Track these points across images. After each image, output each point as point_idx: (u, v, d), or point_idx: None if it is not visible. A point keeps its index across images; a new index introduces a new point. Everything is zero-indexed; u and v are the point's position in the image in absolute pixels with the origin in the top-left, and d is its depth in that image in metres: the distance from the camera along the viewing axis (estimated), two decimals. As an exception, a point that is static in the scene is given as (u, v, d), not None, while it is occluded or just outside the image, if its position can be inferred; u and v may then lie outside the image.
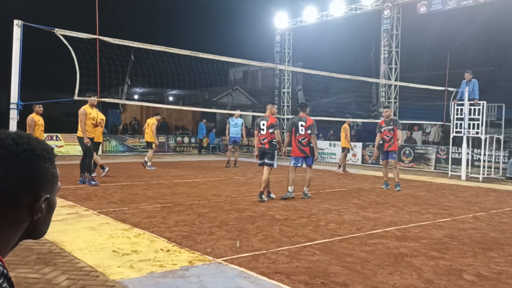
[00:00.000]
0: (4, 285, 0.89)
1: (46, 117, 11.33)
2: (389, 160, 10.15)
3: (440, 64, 22.06)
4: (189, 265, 4.13)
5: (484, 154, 12.83)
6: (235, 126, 14.74)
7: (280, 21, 23.17)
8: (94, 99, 9.41)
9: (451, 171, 13.44)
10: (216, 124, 27.67)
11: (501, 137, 13.34)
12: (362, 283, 3.77)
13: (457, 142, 13.93)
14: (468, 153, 13.11)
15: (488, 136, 13.05)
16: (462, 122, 12.85)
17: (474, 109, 12.82)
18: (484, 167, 12.74)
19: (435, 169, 15.03)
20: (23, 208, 0.97)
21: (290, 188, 8.25)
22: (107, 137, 19.86)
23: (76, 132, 9.80)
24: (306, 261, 4.36)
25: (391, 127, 9.99)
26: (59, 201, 6.95)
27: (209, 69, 12.51)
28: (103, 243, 4.88)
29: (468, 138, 12.97)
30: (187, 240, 5.05)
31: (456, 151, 13.90)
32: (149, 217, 6.24)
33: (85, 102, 9.58)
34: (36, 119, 9.87)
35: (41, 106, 10.07)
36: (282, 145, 8.31)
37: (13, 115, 7.23)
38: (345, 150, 13.92)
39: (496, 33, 25.36)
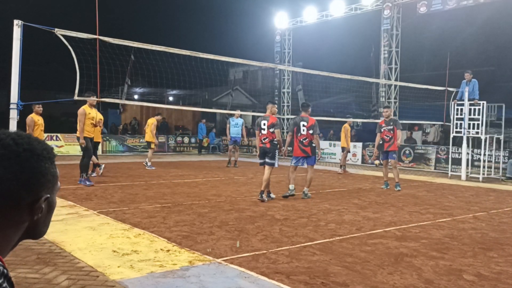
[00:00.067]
0: (4, 285, 0.89)
1: (46, 117, 11.33)
2: (389, 160, 10.15)
3: (440, 64, 22.05)
4: (189, 265, 4.13)
5: (484, 154, 12.83)
6: (236, 126, 14.75)
7: (280, 21, 23.17)
8: (93, 99, 9.42)
9: (451, 171, 13.44)
10: (216, 124, 27.66)
11: (501, 137, 13.34)
12: (362, 283, 3.77)
13: (457, 142, 13.93)
14: (468, 153, 13.11)
15: (488, 136, 13.05)
16: (462, 122, 12.85)
17: (474, 109, 12.82)
18: (484, 167, 12.74)
19: (435, 169, 15.03)
20: (23, 208, 0.97)
21: (291, 186, 8.33)
22: (107, 137, 19.86)
23: (76, 132, 9.80)
24: (306, 261, 4.36)
25: (391, 127, 9.99)
26: (59, 201, 6.95)
27: (209, 69, 12.51)
28: (103, 243, 4.88)
29: (468, 138, 12.97)
30: (187, 240, 5.05)
31: (456, 151, 13.90)
32: (149, 217, 6.24)
33: (85, 102, 9.59)
34: (35, 119, 9.86)
35: (40, 106, 10.07)
36: (282, 144, 8.33)
37: (13, 115, 7.23)
38: (345, 149, 13.93)
39: (496, 33, 25.36)
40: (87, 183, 9.24)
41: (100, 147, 18.60)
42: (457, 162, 13.67)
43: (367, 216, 6.75)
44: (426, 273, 4.08)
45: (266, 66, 18.28)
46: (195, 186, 9.71)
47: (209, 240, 5.08)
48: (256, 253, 4.59)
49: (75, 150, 9.68)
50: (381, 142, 10.13)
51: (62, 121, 26.67)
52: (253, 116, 27.09)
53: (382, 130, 10.09)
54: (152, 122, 13.87)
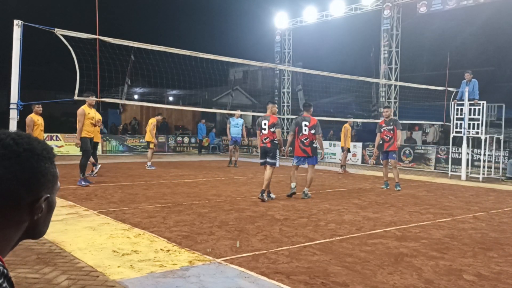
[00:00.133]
0: (4, 285, 0.89)
1: (46, 117, 11.33)
2: (389, 160, 10.15)
3: (440, 64, 22.06)
4: (189, 265, 4.13)
5: (484, 154, 12.83)
6: (236, 126, 14.75)
7: (280, 21, 23.17)
8: (92, 99, 9.41)
9: (451, 171, 13.44)
10: (216, 124, 27.67)
11: (501, 137, 13.34)
12: (362, 283, 3.77)
13: (457, 142, 13.93)
14: (468, 153, 13.11)
15: (488, 136, 13.05)
16: (462, 122, 12.85)
17: (474, 109, 12.82)
18: (484, 167, 12.74)
19: (435, 169, 15.03)
20: (23, 208, 0.97)
21: (292, 185, 8.41)
22: (107, 137, 19.87)
23: (76, 132, 9.81)
24: (306, 261, 4.36)
25: (391, 127, 9.99)
26: (59, 201, 6.95)
27: (209, 69, 12.52)
28: (103, 243, 4.88)
29: (468, 138, 12.97)
30: (187, 240, 5.05)
31: (456, 151, 13.90)
32: (149, 217, 6.24)
33: (85, 102, 9.58)
34: (35, 119, 9.86)
35: (40, 106, 10.06)
36: (282, 144, 8.37)
37: (13, 115, 7.23)
38: (345, 149, 13.95)
39: (496, 33, 25.37)
40: (83, 183, 9.22)
41: (100, 147, 18.62)
42: (457, 162, 13.67)
43: (367, 216, 6.75)
44: (426, 273, 4.08)
45: (266, 66, 18.28)
46: (195, 186, 9.71)
47: (209, 240, 5.08)
48: (256, 253, 4.59)
49: (75, 150, 9.67)
50: (381, 142, 10.13)
51: (62, 121, 26.68)
52: (253, 116, 27.10)
53: (382, 130, 10.09)
54: (151, 122, 13.86)
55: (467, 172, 12.92)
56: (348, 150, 14.19)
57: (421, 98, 16.84)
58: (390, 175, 10.31)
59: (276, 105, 8.74)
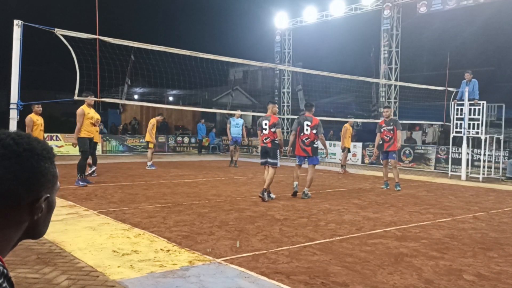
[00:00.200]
0: (4, 285, 0.89)
1: (46, 117, 11.33)
2: (389, 160, 10.15)
3: (440, 64, 22.06)
4: (189, 265, 4.13)
5: (484, 154, 12.83)
6: (236, 126, 14.75)
7: (280, 21, 23.17)
8: (91, 99, 9.39)
9: (451, 171, 13.44)
10: (216, 124, 27.67)
11: (501, 137, 13.34)
12: (362, 283, 3.77)
13: (457, 142, 13.93)
14: (468, 153, 13.11)
15: (488, 136, 13.05)
16: (462, 122, 12.85)
17: (474, 109, 12.82)
18: (484, 167, 12.74)
19: (435, 169, 15.03)
20: (24, 208, 0.97)
21: (294, 184, 8.50)
22: (107, 137, 19.87)
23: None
24: (306, 261, 4.36)
25: (391, 127, 9.98)
26: (59, 201, 6.95)
27: (209, 69, 12.52)
28: (103, 243, 4.88)
29: (468, 138, 12.97)
30: (187, 240, 5.05)
31: (456, 151, 13.90)
32: (149, 217, 6.24)
33: (85, 102, 9.58)
34: (34, 119, 9.85)
35: (40, 106, 10.05)
36: (283, 144, 8.42)
37: (13, 115, 7.23)
38: (345, 149, 13.95)
39: (496, 33, 25.36)
40: (80, 183, 9.20)
41: (100, 147, 18.64)
42: (457, 162, 13.67)
43: (367, 216, 6.74)
44: (426, 273, 4.08)
45: (266, 66, 18.28)
46: (195, 186, 9.71)
47: (209, 240, 5.08)
48: (256, 253, 4.59)
49: (75, 150, 9.64)
50: (381, 142, 10.13)
51: (62, 121, 26.68)
52: (253, 116, 27.11)
53: (382, 130, 10.09)
54: (151, 121, 13.87)
55: (467, 172, 12.92)
56: (348, 150, 14.20)
57: (421, 98, 16.85)
58: (390, 175, 10.31)
59: (277, 105, 8.77)
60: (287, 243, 5.03)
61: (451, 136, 13.55)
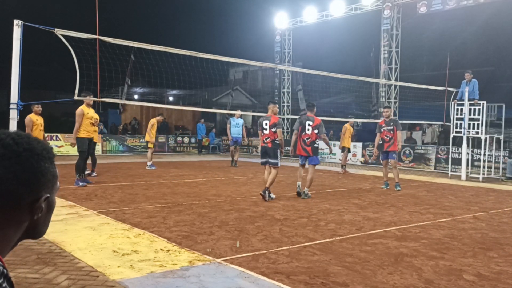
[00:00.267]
0: (4, 285, 0.89)
1: (46, 117, 11.32)
2: (389, 160, 10.15)
3: (440, 64, 22.06)
4: (189, 265, 4.13)
5: (484, 154, 12.83)
6: (237, 126, 14.75)
7: (280, 21, 23.17)
8: (90, 99, 9.37)
9: (451, 171, 13.44)
10: (216, 124, 27.68)
11: (501, 137, 13.34)
12: (362, 283, 3.77)
13: (457, 142, 13.93)
14: (468, 153, 13.11)
15: (488, 136, 13.05)
16: (462, 122, 12.85)
17: (474, 109, 12.82)
18: (484, 167, 12.74)
19: (435, 169, 15.03)
20: (24, 208, 0.97)
21: (298, 184, 8.57)
22: (107, 137, 19.87)
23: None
24: (306, 261, 4.35)
25: (391, 127, 9.98)
26: (59, 201, 6.95)
27: (209, 69, 12.52)
28: (103, 243, 4.88)
29: (468, 138, 12.97)
30: (187, 240, 5.05)
31: (456, 151, 13.89)
32: (149, 217, 6.24)
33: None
34: (34, 119, 9.85)
35: (39, 106, 10.05)
36: (284, 144, 8.45)
37: (13, 115, 7.24)
38: (345, 149, 13.96)
39: (496, 33, 25.36)
40: (80, 183, 9.19)
41: (100, 147, 18.65)
42: (457, 162, 13.67)
43: (367, 216, 6.74)
44: (426, 273, 4.08)
45: (266, 66, 18.29)
46: (195, 186, 9.71)
47: (209, 240, 5.08)
48: (256, 253, 4.59)
49: (75, 150, 9.62)
50: (381, 142, 10.13)
51: (62, 121, 26.70)
52: (253, 116, 27.11)
53: (382, 130, 10.09)
54: (151, 122, 13.87)
55: (467, 172, 12.92)
56: (348, 150, 14.21)
57: (421, 98, 16.85)
58: (390, 175, 10.31)
59: (277, 105, 8.79)
60: (287, 243, 5.03)
61: (451, 136, 13.55)
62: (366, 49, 24.22)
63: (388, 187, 10.11)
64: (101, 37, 8.45)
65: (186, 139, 22.41)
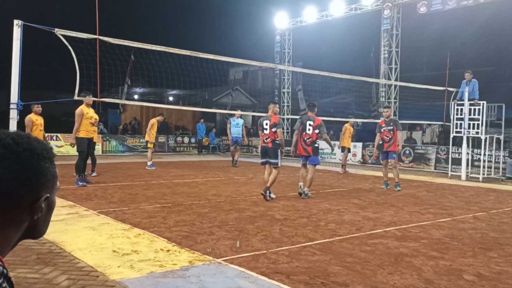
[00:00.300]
0: (4, 285, 0.89)
1: (46, 117, 11.32)
2: (389, 160, 10.15)
3: (440, 64, 22.06)
4: (189, 265, 4.13)
5: (484, 154, 12.83)
6: (237, 126, 14.74)
7: (280, 21, 23.17)
8: (89, 99, 9.37)
9: (451, 171, 13.43)
10: (216, 124, 27.68)
11: (501, 137, 13.34)
12: (362, 283, 3.77)
13: (457, 142, 13.93)
14: (468, 153, 13.11)
15: (488, 136, 13.05)
16: (462, 122, 12.85)
17: (474, 109, 12.82)
18: (484, 167, 12.74)
19: (435, 169, 15.03)
20: (24, 208, 0.97)
21: (300, 184, 8.59)
22: (107, 137, 19.87)
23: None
24: (306, 261, 4.36)
25: (391, 127, 9.98)
26: (59, 201, 6.95)
27: (209, 69, 12.52)
28: (103, 243, 4.88)
29: (468, 138, 12.97)
30: (187, 240, 5.05)
31: (456, 151, 13.90)
32: (149, 217, 6.24)
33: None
34: (33, 119, 9.84)
35: (39, 106, 10.05)
36: (284, 144, 8.47)
37: (13, 115, 7.23)
38: (345, 149, 13.96)
39: (496, 33, 25.36)
40: (80, 183, 9.19)
41: (100, 147, 18.65)
42: (457, 162, 13.67)
43: (367, 216, 6.74)
44: (426, 273, 4.08)
45: (266, 66, 18.29)
46: (195, 186, 9.71)
47: (209, 240, 5.08)
48: (256, 253, 4.59)
49: (75, 150, 9.61)
50: (380, 142, 10.13)
51: (62, 121, 26.69)
52: (253, 116, 27.11)
53: (382, 130, 10.09)
54: (150, 122, 13.87)
55: (467, 172, 12.92)
56: (349, 150, 14.20)
57: (421, 98, 16.84)
58: (390, 175, 10.31)
59: (277, 105, 8.80)
60: (287, 243, 5.03)
61: (451, 136, 13.56)
62: (366, 49, 24.22)
63: (388, 187, 10.11)
64: (101, 37, 8.45)
65: (186, 139, 22.41)
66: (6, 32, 8.06)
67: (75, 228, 5.52)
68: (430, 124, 18.46)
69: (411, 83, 15.25)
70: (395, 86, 18.39)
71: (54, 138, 17.83)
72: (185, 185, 9.92)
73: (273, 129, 8.04)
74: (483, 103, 12.70)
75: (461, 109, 12.95)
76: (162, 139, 21.15)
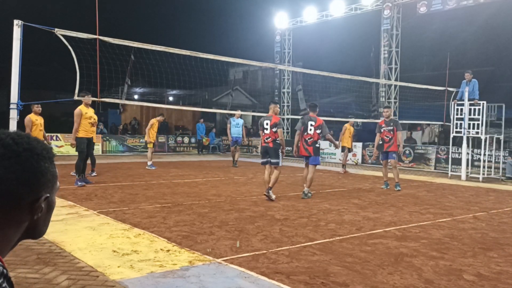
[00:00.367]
0: (4, 285, 0.89)
1: (46, 117, 11.32)
2: (389, 160, 10.15)
3: (440, 64, 22.05)
4: (189, 265, 4.13)
5: (484, 154, 12.83)
6: (237, 126, 14.74)
7: (280, 21, 23.17)
8: (88, 99, 9.36)
9: (451, 171, 13.44)
10: (216, 124, 27.67)
11: (501, 137, 13.34)
12: (362, 283, 3.77)
13: (457, 142, 13.93)
14: (468, 153, 13.11)
15: (488, 136, 13.05)
16: (462, 122, 12.85)
17: (474, 109, 12.82)
18: (484, 167, 12.74)
19: (435, 169, 15.03)
20: (24, 208, 0.97)
21: (305, 185, 8.61)
22: (107, 137, 19.87)
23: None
24: (306, 261, 4.36)
25: (391, 127, 9.98)
26: (59, 201, 6.95)
27: (209, 69, 12.53)
28: (103, 243, 4.88)
29: (468, 138, 12.97)
30: (187, 240, 5.05)
31: (456, 151, 13.90)
32: (149, 217, 6.24)
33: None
34: (33, 119, 9.84)
35: (39, 106, 10.05)
36: (285, 144, 8.48)
37: (13, 115, 7.24)
38: (345, 149, 13.96)
39: (496, 33, 25.34)
40: (79, 183, 9.18)
41: (100, 147, 18.66)
42: (457, 162, 13.67)
43: (367, 216, 6.75)
44: (426, 273, 4.08)
45: (266, 66, 18.30)
46: (195, 186, 9.71)
47: (209, 240, 5.08)
48: (256, 253, 4.59)
49: (75, 150, 9.60)
50: (380, 143, 10.13)
51: (62, 121, 26.69)
52: (253, 116, 27.11)
53: (382, 130, 10.09)
54: (150, 122, 13.87)
55: (467, 172, 12.92)
56: (349, 150, 14.20)
57: (421, 98, 16.84)
58: (390, 175, 10.31)
59: (278, 105, 8.81)
60: (287, 243, 5.03)
61: (451, 136, 13.56)
62: (366, 49, 24.22)
63: (388, 187, 10.11)
64: (101, 37, 8.45)
65: (186, 139, 22.41)
66: (6, 32, 8.06)
67: (75, 228, 5.52)
68: (428, 124, 18.46)
69: (411, 83, 15.25)
70: (395, 86, 18.39)
71: (54, 138, 17.83)
72: (185, 185, 9.92)
73: (274, 129, 8.05)
74: (483, 103, 12.70)
75: (461, 109, 12.95)
76: (162, 139, 21.15)
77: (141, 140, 19.82)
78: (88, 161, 10.04)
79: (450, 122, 13.57)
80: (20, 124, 7.73)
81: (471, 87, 12.92)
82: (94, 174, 10.98)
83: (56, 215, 5.84)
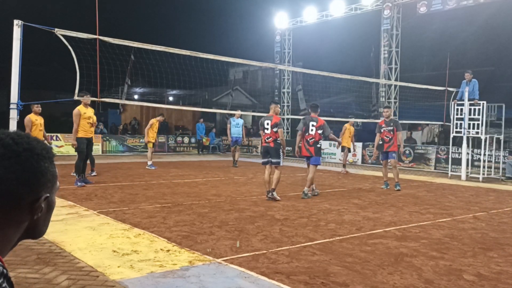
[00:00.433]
0: (4, 285, 0.89)
1: (46, 117, 11.31)
2: (389, 160, 10.15)
3: (440, 64, 22.04)
4: (189, 265, 4.13)
5: (484, 154, 12.83)
6: (237, 126, 14.74)
7: (280, 21, 23.17)
8: (87, 99, 9.35)
9: (451, 171, 13.43)
10: (216, 124, 27.67)
11: (501, 137, 13.34)
12: (362, 283, 3.77)
13: (457, 142, 13.93)
14: (468, 153, 13.11)
15: (488, 136, 13.05)
16: (462, 122, 12.85)
17: (474, 109, 12.82)
18: (484, 167, 12.74)
19: (435, 169, 15.03)
20: (24, 208, 0.97)
21: (312, 186, 8.65)
22: (107, 137, 19.87)
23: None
24: (306, 261, 4.36)
25: (391, 127, 9.98)
26: (59, 201, 6.95)
27: (209, 69, 12.53)
28: (103, 243, 4.88)
29: (468, 138, 12.97)
30: (187, 240, 5.05)
31: (456, 151, 13.89)
32: (149, 217, 6.24)
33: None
34: (33, 119, 9.83)
35: (39, 106, 10.04)
36: (285, 144, 8.51)
37: (13, 115, 7.24)
38: (345, 149, 13.94)
39: (496, 33, 25.34)
40: (79, 184, 9.18)
41: (100, 147, 18.67)
42: (457, 162, 13.67)
43: (367, 216, 6.75)
44: (426, 273, 4.08)
45: (266, 66, 18.30)
46: (195, 186, 9.71)
47: (209, 240, 5.08)
48: (256, 253, 4.59)
49: (75, 150, 9.60)
50: (380, 143, 10.13)
51: (62, 121, 26.68)
52: (253, 116, 27.11)
53: (382, 130, 10.09)
54: (150, 122, 13.87)
55: (467, 172, 12.92)
56: (349, 150, 14.19)
57: (421, 98, 16.84)
58: (390, 175, 10.31)
59: (279, 105, 8.83)
60: (287, 243, 5.03)
61: (451, 136, 13.56)
62: (366, 49, 24.22)
63: (388, 187, 10.11)
64: (101, 37, 8.45)
65: (186, 139, 22.40)
66: (6, 32, 8.07)
67: (75, 228, 5.52)
68: (427, 124, 18.47)
69: (411, 83, 15.26)
70: (395, 86, 18.39)
71: (54, 138, 17.82)
72: (185, 185, 9.92)
73: (274, 129, 8.06)
74: (483, 103, 12.70)
75: (461, 109, 12.95)
76: (162, 139, 21.14)
77: (141, 140, 19.81)
78: (88, 161, 10.03)
79: (450, 122, 13.57)
80: (20, 124, 7.73)
81: (471, 87, 12.92)
82: (94, 173, 10.97)
83: (56, 215, 5.84)
